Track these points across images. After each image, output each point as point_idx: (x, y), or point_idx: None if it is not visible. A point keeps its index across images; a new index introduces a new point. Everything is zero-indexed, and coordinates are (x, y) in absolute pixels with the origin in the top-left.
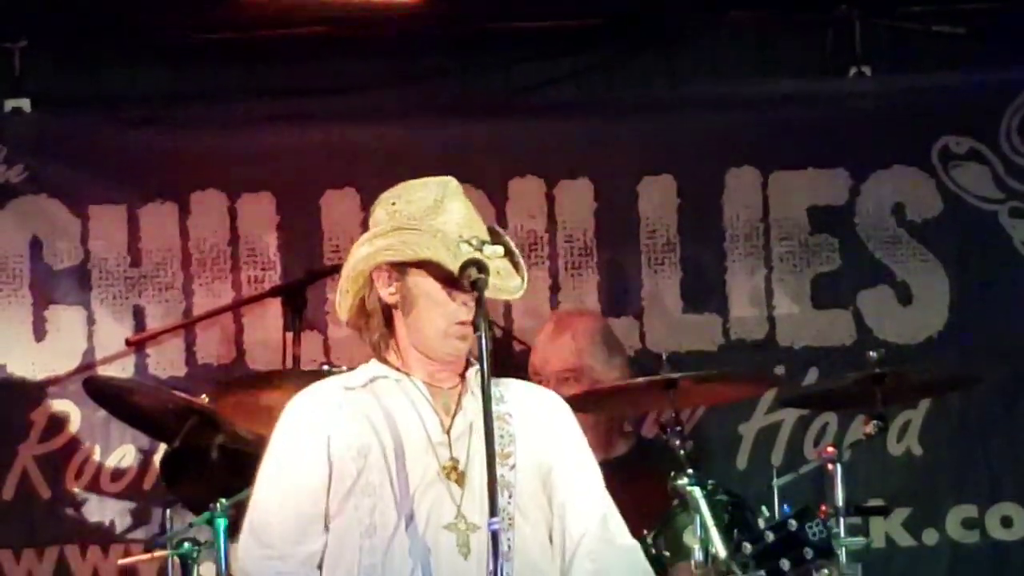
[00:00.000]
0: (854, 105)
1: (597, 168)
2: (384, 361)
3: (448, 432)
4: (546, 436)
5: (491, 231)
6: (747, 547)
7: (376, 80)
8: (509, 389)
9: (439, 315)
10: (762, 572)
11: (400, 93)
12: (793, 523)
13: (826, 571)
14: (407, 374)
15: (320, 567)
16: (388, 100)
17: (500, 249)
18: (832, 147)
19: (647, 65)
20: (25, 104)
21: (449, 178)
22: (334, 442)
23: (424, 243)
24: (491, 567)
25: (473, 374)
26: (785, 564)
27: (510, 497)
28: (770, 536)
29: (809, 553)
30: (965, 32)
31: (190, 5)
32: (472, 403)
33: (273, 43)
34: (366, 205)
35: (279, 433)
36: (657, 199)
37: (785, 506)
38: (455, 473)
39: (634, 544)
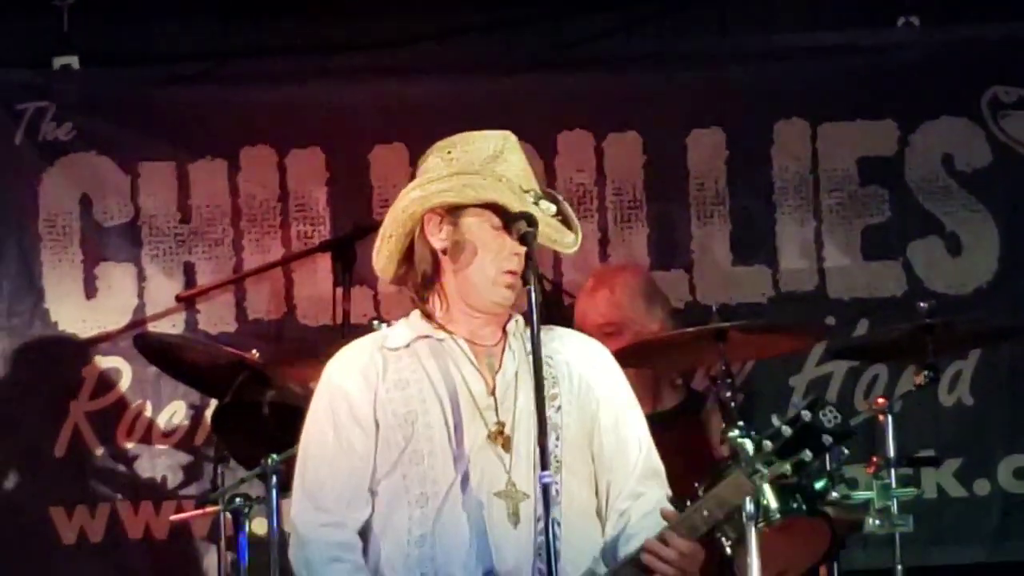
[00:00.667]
0: (902, 56)
1: (646, 121)
2: (426, 315)
3: (493, 394)
4: (589, 379)
5: (553, 198)
6: (767, 444)
7: (424, 35)
8: (551, 334)
9: (490, 262)
10: (787, 464)
11: (448, 48)
12: (807, 414)
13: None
14: (450, 333)
15: (363, 535)
16: (436, 55)
17: (553, 207)
18: (881, 98)
19: (696, 18)
20: (74, 61)
21: (508, 132)
22: (380, 409)
23: (489, 186)
24: (543, 523)
25: (513, 327)
26: (808, 454)
27: (557, 439)
28: (787, 430)
29: (828, 440)
30: None
31: None
32: (511, 359)
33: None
34: (415, 160)
35: (323, 394)
36: (706, 152)
37: (794, 399)
38: (502, 438)
39: (665, 492)
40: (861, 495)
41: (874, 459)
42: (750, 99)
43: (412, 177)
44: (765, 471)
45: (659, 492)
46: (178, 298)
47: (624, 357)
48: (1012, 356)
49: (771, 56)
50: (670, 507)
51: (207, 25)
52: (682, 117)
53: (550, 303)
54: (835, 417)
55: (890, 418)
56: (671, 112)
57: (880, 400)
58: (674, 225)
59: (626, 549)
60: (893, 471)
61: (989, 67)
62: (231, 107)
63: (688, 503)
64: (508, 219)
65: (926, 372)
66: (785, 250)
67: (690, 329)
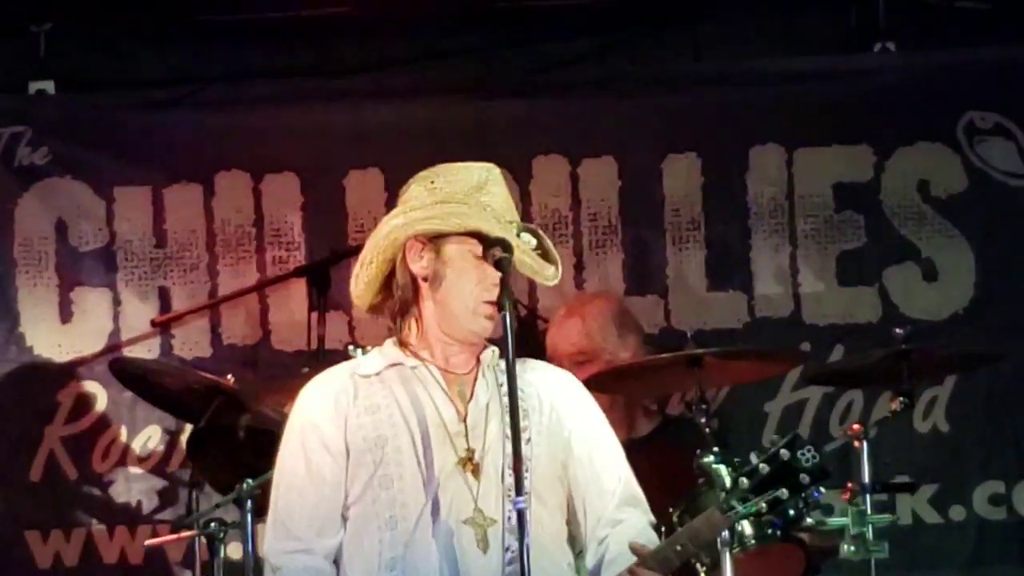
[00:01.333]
0: (878, 81)
1: (621, 146)
2: (401, 343)
3: (464, 421)
4: (560, 411)
5: (535, 233)
6: (744, 481)
7: (400, 60)
8: (524, 365)
9: (470, 291)
10: (763, 502)
11: (424, 73)
12: (785, 452)
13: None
14: (423, 360)
15: (336, 562)
16: (412, 80)
17: (534, 241)
18: (856, 123)
19: (670, 42)
20: (49, 86)
21: (491, 164)
22: (350, 434)
23: (475, 214)
24: (511, 550)
25: (488, 357)
26: (784, 492)
27: (526, 470)
28: (765, 468)
29: (805, 479)
30: (989, 7)
31: None
32: (484, 388)
33: (297, 23)
34: (390, 185)
35: (295, 423)
36: (681, 177)
37: (772, 436)
38: (471, 464)
39: (647, 519)
40: (836, 521)
41: (849, 485)
42: (725, 124)
43: (388, 203)
44: (741, 508)
45: (640, 519)
46: (153, 323)
47: (597, 384)
48: (988, 382)
49: (746, 81)
50: (639, 542)
51: (182, 51)
52: (657, 142)
53: (525, 328)
54: (813, 457)
55: (865, 444)
56: (646, 137)
57: (855, 426)
58: (649, 250)
59: (608, 573)
60: (868, 497)
61: (965, 93)
62: (206, 132)
63: (663, 530)
64: (486, 246)
65: (901, 398)
66: (760, 276)
67: (664, 355)
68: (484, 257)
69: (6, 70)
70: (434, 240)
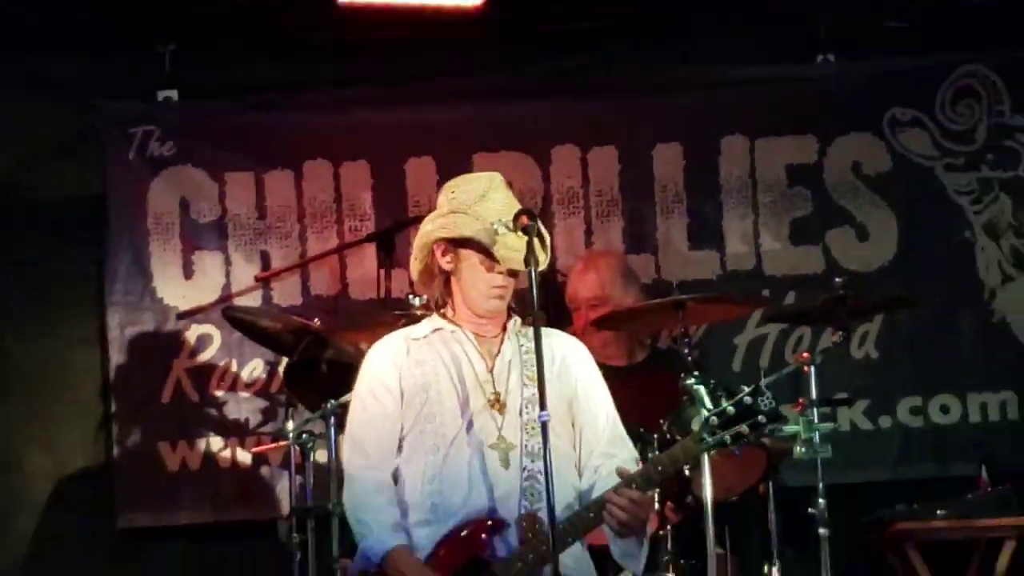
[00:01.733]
0: (821, 85)
1: (620, 137)
2: (443, 316)
3: (491, 371)
4: (571, 370)
5: (531, 215)
6: (714, 419)
7: (446, 71)
8: (545, 331)
9: (480, 281)
10: (725, 436)
11: (464, 81)
12: (748, 399)
13: (777, 430)
14: (459, 326)
15: (395, 478)
16: (456, 86)
17: (524, 243)
18: (804, 118)
19: (658, 55)
20: (173, 94)
21: (495, 174)
22: (404, 382)
23: (468, 224)
24: (532, 465)
25: (512, 325)
26: (744, 429)
27: (545, 409)
28: (731, 410)
29: (762, 419)
30: (908, 26)
31: (303, 12)
32: (508, 347)
33: (366, 42)
34: (440, 169)
35: (364, 373)
36: (668, 161)
37: (743, 387)
38: (498, 404)
39: (633, 453)
40: (790, 429)
41: (800, 400)
42: (702, 119)
43: (438, 184)
44: (710, 440)
45: (627, 454)
46: (256, 279)
47: (607, 322)
48: (908, 319)
49: (718, 85)
50: (626, 468)
51: (275, 65)
52: (648, 134)
53: (545, 280)
54: (770, 402)
55: (812, 369)
56: (641, 130)
57: (804, 354)
58: (643, 219)
59: (597, 494)
60: (815, 410)
61: (888, 93)
62: (296, 128)
63: (650, 452)
64: (514, 215)
65: (840, 332)
66: (730, 238)
67: (656, 301)
68: (489, 256)
69: (139, 82)
70: (451, 243)
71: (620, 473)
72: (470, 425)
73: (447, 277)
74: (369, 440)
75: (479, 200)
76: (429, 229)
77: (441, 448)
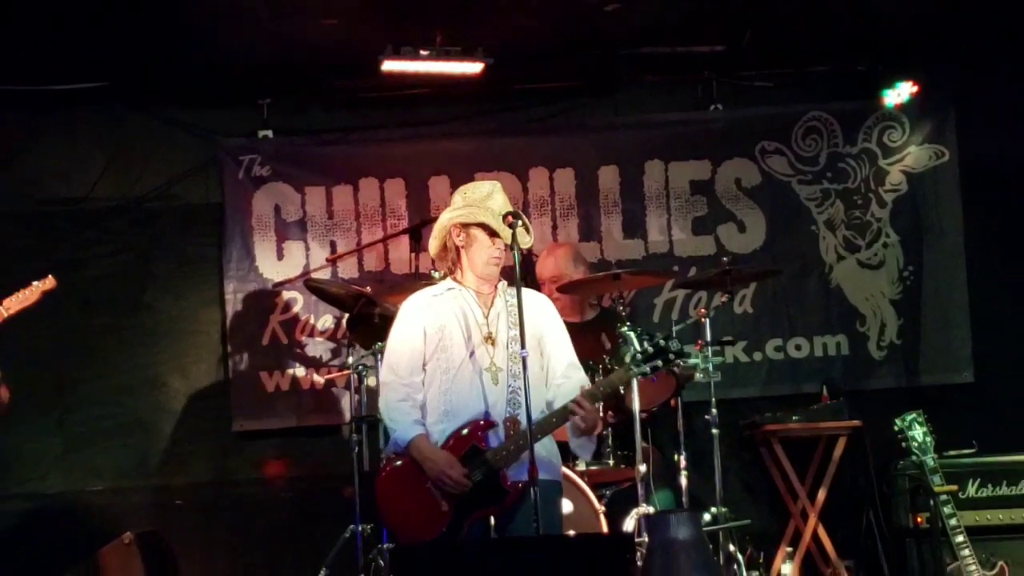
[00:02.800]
0: (713, 125)
1: (577, 162)
2: (454, 279)
3: (487, 318)
4: (541, 319)
5: (515, 214)
6: (639, 356)
7: (456, 116)
8: (526, 292)
9: (485, 251)
10: (647, 367)
11: (468, 123)
12: (662, 342)
13: (683, 362)
14: (465, 287)
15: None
16: (463, 127)
17: (518, 222)
18: (702, 148)
19: (603, 106)
20: (269, 133)
21: (495, 181)
22: (426, 323)
23: (480, 213)
24: (512, 385)
25: (502, 287)
26: (659, 363)
27: (524, 347)
28: (649, 349)
29: (672, 356)
30: (772, 85)
31: (358, 77)
32: (500, 302)
33: (401, 96)
34: (453, 184)
35: (399, 316)
36: (609, 178)
37: (660, 334)
38: (491, 340)
39: (584, 376)
40: (693, 361)
41: (699, 342)
42: (631, 149)
43: (450, 195)
44: (636, 370)
45: (579, 377)
46: (327, 260)
47: (565, 290)
48: (772, 285)
49: (643, 126)
50: (586, 385)
51: (340, 112)
52: (595, 159)
53: (526, 261)
54: (677, 346)
55: (708, 320)
56: (590, 157)
57: (702, 310)
58: (591, 218)
59: (558, 404)
60: (709, 348)
61: (759, 131)
62: (354, 156)
63: (597, 377)
64: (503, 217)
65: (726, 295)
66: (651, 231)
67: (599, 274)
68: (492, 236)
69: (247, 125)
70: (464, 226)
71: (581, 391)
72: (472, 355)
73: (458, 252)
74: (399, 362)
75: (486, 199)
76: (449, 217)
77: (451, 371)
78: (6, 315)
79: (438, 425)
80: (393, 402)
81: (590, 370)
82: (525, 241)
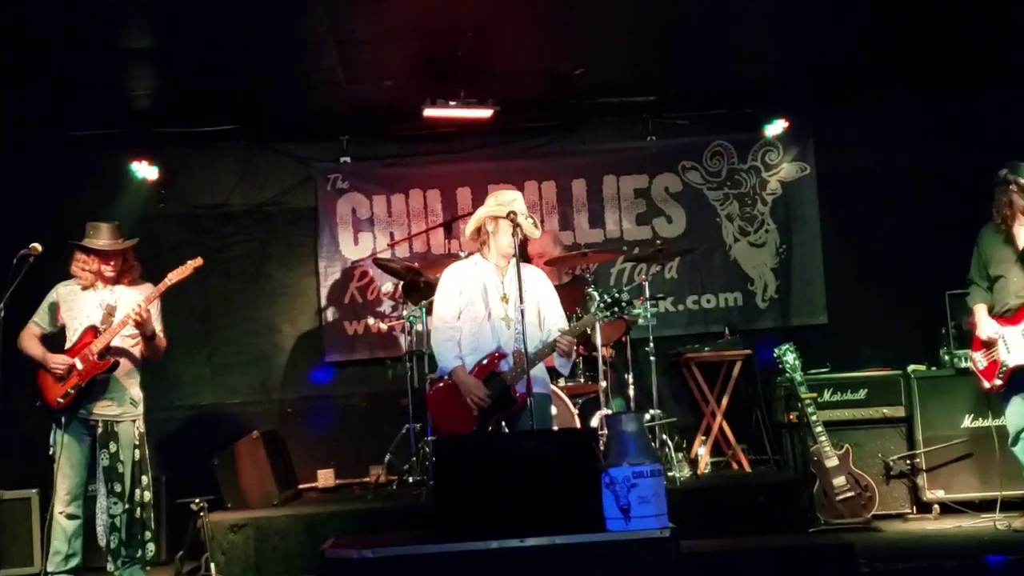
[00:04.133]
0: (649, 151)
1: (557, 176)
2: (482, 255)
3: (503, 283)
4: (539, 285)
5: (530, 215)
6: (602, 305)
7: (474, 147)
8: (525, 266)
9: (507, 236)
10: (607, 314)
11: (482, 151)
12: (618, 295)
13: (634, 310)
14: (489, 261)
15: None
16: (479, 154)
17: (531, 220)
18: (642, 166)
19: (574, 139)
20: (348, 159)
21: (517, 191)
22: (462, 285)
23: (506, 210)
24: (518, 328)
25: (513, 261)
26: (616, 311)
27: (522, 302)
28: (609, 301)
29: (624, 306)
30: (690, 123)
31: (407, 120)
32: (511, 272)
33: (437, 133)
34: (473, 193)
35: (443, 280)
36: (579, 189)
37: (615, 293)
38: (505, 299)
39: (566, 322)
40: (637, 311)
41: (641, 298)
42: (594, 168)
43: (474, 202)
44: (601, 316)
45: (564, 324)
46: (388, 245)
47: (549, 264)
48: (691, 259)
49: (602, 152)
50: (565, 327)
51: (394, 144)
52: (569, 175)
53: (522, 245)
54: (629, 300)
55: (647, 283)
56: (565, 173)
57: (643, 276)
58: (566, 216)
59: (549, 339)
60: (648, 301)
61: (680, 154)
62: (406, 176)
63: (572, 322)
64: (513, 220)
65: (660, 265)
66: (608, 223)
67: (572, 253)
68: (514, 226)
69: (332, 153)
70: (495, 220)
71: (561, 330)
72: (492, 308)
73: (487, 236)
74: (444, 312)
75: (511, 202)
76: (485, 211)
77: (478, 319)
78: (169, 284)
79: (469, 356)
80: (441, 341)
81: (567, 318)
82: (534, 233)
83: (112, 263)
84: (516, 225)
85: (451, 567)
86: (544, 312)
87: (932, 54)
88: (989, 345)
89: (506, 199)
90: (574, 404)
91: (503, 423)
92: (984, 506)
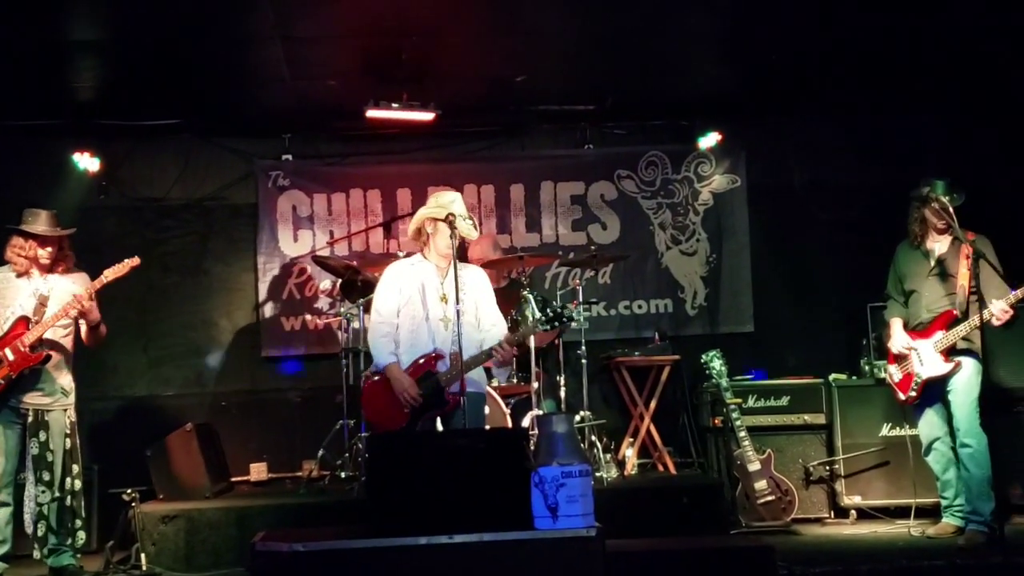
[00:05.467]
0: (585, 160)
1: (496, 181)
2: (422, 255)
3: (442, 284)
4: (478, 286)
5: (468, 216)
6: (540, 317)
7: (415, 148)
8: (464, 266)
9: (444, 238)
10: (548, 327)
11: (423, 153)
12: (559, 310)
13: (573, 321)
14: (429, 261)
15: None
16: (420, 156)
17: (470, 222)
18: (578, 173)
19: (514, 144)
20: (289, 157)
21: (456, 192)
22: (401, 284)
23: (443, 212)
24: (455, 330)
25: (453, 263)
26: (556, 324)
27: (461, 303)
28: (549, 312)
29: (565, 319)
30: (626, 133)
31: (349, 120)
32: (450, 272)
33: (377, 133)
34: (413, 195)
35: (384, 277)
36: (517, 193)
37: (552, 300)
38: (444, 299)
39: (504, 326)
40: (573, 314)
41: (575, 301)
42: (532, 173)
43: (414, 203)
44: (538, 328)
45: (501, 326)
46: (327, 243)
47: (488, 266)
48: (624, 265)
49: (540, 159)
50: (503, 329)
51: (336, 144)
52: (508, 180)
53: (461, 246)
54: (569, 311)
55: (581, 287)
56: (504, 178)
57: (577, 281)
58: (505, 219)
59: (487, 345)
60: (581, 306)
61: (616, 163)
62: (347, 175)
63: (509, 330)
64: (451, 223)
65: (593, 270)
66: (544, 228)
67: (509, 256)
68: (451, 227)
69: (273, 151)
70: (433, 221)
71: (506, 339)
72: (430, 308)
73: (427, 237)
74: (382, 308)
75: (451, 204)
76: (425, 212)
77: (416, 318)
78: (105, 281)
79: (405, 355)
80: (377, 337)
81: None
82: (472, 234)
83: (49, 249)
84: (454, 227)
85: (381, 562)
86: (481, 313)
87: (864, 72)
88: (902, 358)
89: (445, 200)
90: (506, 404)
91: (438, 421)
92: (899, 512)
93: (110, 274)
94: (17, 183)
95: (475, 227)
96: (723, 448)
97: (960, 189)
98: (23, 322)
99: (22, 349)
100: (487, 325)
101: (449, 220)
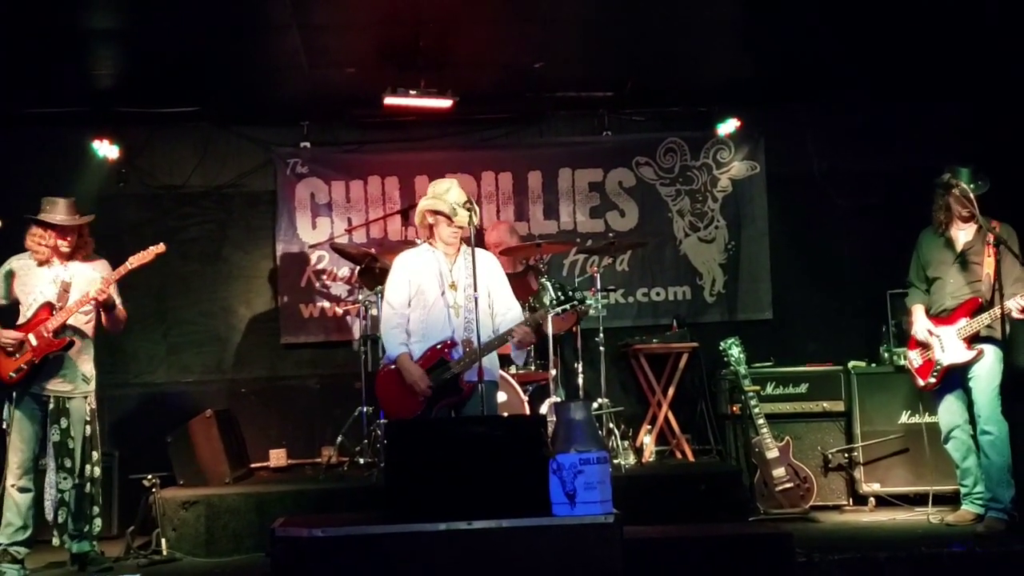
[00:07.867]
0: (604, 146)
1: (514, 168)
2: (430, 244)
3: (451, 271)
4: (489, 272)
5: (469, 202)
6: (555, 300)
7: (433, 136)
8: (478, 252)
9: (444, 229)
10: (559, 309)
11: (441, 140)
12: (570, 292)
13: (587, 302)
14: (437, 249)
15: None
16: (437, 143)
17: (467, 213)
18: (597, 160)
19: (531, 132)
20: (308, 144)
21: (454, 180)
22: (411, 273)
23: (440, 204)
24: (468, 317)
25: (462, 250)
26: (568, 307)
27: (477, 291)
28: (561, 296)
29: (575, 302)
30: (645, 119)
31: (369, 107)
32: (460, 260)
33: (396, 121)
34: (431, 181)
35: (394, 268)
36: (535, 180)
37: (568, 286)
38: (454, 286)
39: (519, 309)
40: (590, 302)
41: (593, 289)
42: (550, 160)
43: (425, 190)
44: (554, 311)
45: (516, 310)
46: (345, 231)
47: (505, 253)
48: (642, 252)
49: (558, 145)
50: (517, 313)
51: (355, 131)
52: (526, 167)
53: (478, 233)
54: (581, 295)
55: (599, 275)
56: (521, 165)
57: (595, 268)
58: (523, 207)
59: (502, 330)
60: (599, 293)
61: (635, 150)
62: (365, 161)
63: (524, 310)
64: (455, 214)
65: (611, 258)
66: (562, 215)
67: (527, 243)
68: (450, 219)
69: (292, 138)
70: (435, 213)
71: (524, 320)
72: (441, 295)
73: (431, 228)
74: (394, 298)
75: (446, 192)
76: (423, 204)
77: (427, 306)
78: (129, 268)
79: (417, 344)
80: (389, 328)
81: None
82: (473, 220)
83: (68, 238)
84: (451, 221)
85: (399, 547)
86: (494, 298)
87: (884, 58)
88: (923, 345)
89: (440, 190)
90: (524, 391)
91: (451, 409)
92: (917, 500)
93: (135, 260)
94: (37, 171)
95: (475, 213)
96: (741, 435)
97: (985, 177)
98: (47, 308)
99: (46, 335)
100: (501, 310)
101: (446, 214)
